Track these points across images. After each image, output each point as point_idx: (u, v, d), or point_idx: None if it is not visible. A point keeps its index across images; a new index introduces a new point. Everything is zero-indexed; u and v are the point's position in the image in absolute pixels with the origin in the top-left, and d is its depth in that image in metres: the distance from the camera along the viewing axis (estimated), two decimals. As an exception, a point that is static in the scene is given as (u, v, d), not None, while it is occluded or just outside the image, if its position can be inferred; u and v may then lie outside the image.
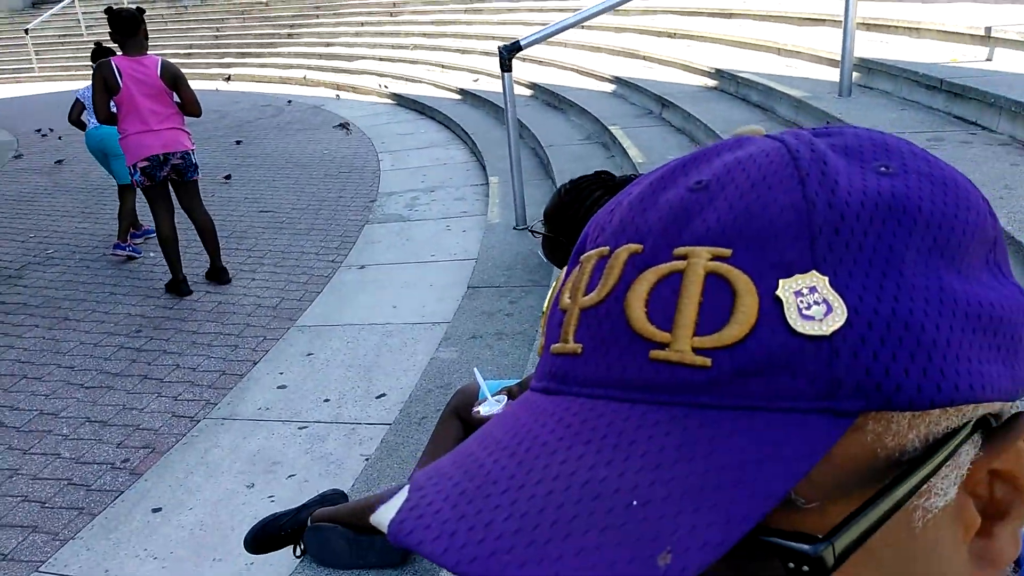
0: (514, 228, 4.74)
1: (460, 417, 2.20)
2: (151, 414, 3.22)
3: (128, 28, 4.11)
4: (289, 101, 11.55)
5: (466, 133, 8.13)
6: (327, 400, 3.22)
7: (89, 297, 4.52)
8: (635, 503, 0.22)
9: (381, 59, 13.67)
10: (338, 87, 12.82)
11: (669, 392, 0.25)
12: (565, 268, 0.31)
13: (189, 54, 16.39)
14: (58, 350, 3.87)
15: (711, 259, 0.25)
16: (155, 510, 2.61)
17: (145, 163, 4.21)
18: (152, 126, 4.20)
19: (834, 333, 0.23)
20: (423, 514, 0.25)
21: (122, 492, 2.72)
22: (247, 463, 2.83)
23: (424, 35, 14.14)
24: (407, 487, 0.28)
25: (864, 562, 0.24)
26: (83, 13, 18.53)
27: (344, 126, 7.18)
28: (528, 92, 9.32)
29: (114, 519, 2.58)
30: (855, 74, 4.57)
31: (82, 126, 5.24)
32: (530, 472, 0.25)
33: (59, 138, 9.51)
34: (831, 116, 4.03)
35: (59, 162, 8.25)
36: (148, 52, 4.24)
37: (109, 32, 4.15)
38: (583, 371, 0.27)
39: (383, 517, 0.27)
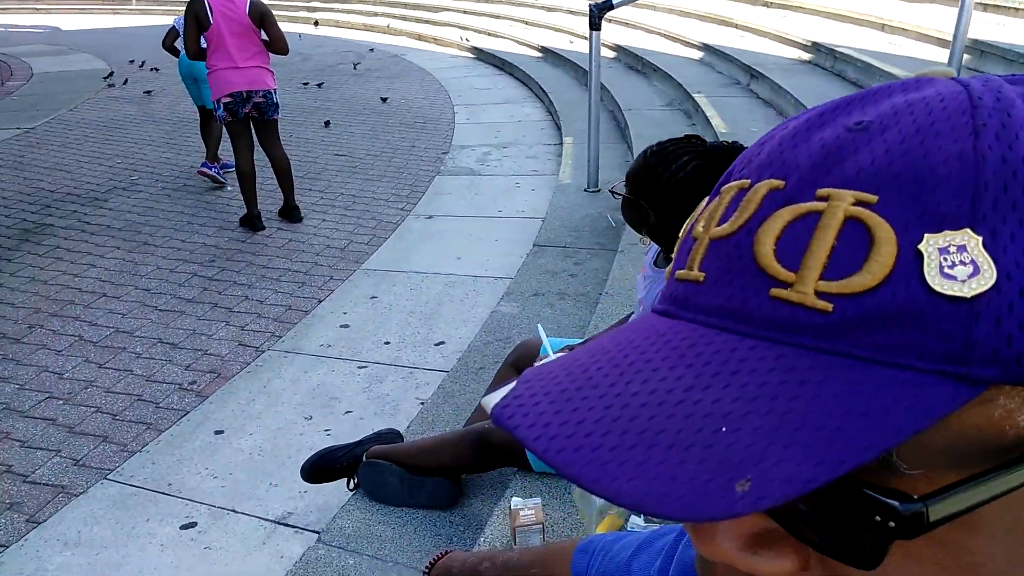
0: (585, 190, 4.65)
1: (519, 370, 2.18)
2: (219, 341, 3.33)
3: None
4: (371, 49, 11.59)
5: (544, 92, 8.00)
6: (387, 343, 3.26)
7: (168, 224, 4.67)
8: (724, 429, 0.22)
9: (465, 12, 13.55)
10: (420, 37, 12.79)
11: (783, 331, 0.24)
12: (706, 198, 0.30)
13: (277, -4, 16.59)
14: (136, 272, 4.02)
15: (854, 203, 0.24)
16: (217, 432, 2.70)
17: (228, 99, 4.31)
18: (238, 63, 4.28)
19: (976, 296, 0.22)
20: (524, 403, 0.27)
21: (187, 412, 2.82)
22: (307, 396, 2.89)
23: (508, -10, 13.91)
24: (516, 380, 0.30)
25: (976, 533, 0.23)
26: (179, -51, 18.88)
27: (383, 99, 7.02)
28: (612, 54, 9.09)
29: (179, 437, 2.68)
30: (965, 56, 4.27)
31: (175, 52, 5.36)
32: (629, 383, 0.25)
33: (152, 70, 9.81)
34: (935, 96, 3.78)
35: (148, 92, 8.51)
36: None
37: None
38: (702, 299, 0.27)
39: (490, 401, 0.27)
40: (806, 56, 6.04)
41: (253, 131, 4.50)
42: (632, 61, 8.27)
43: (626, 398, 0.25)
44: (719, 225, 0.27)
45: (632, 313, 1.90)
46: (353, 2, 15.61)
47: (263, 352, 3.23)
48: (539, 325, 2.10)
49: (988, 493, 0.22)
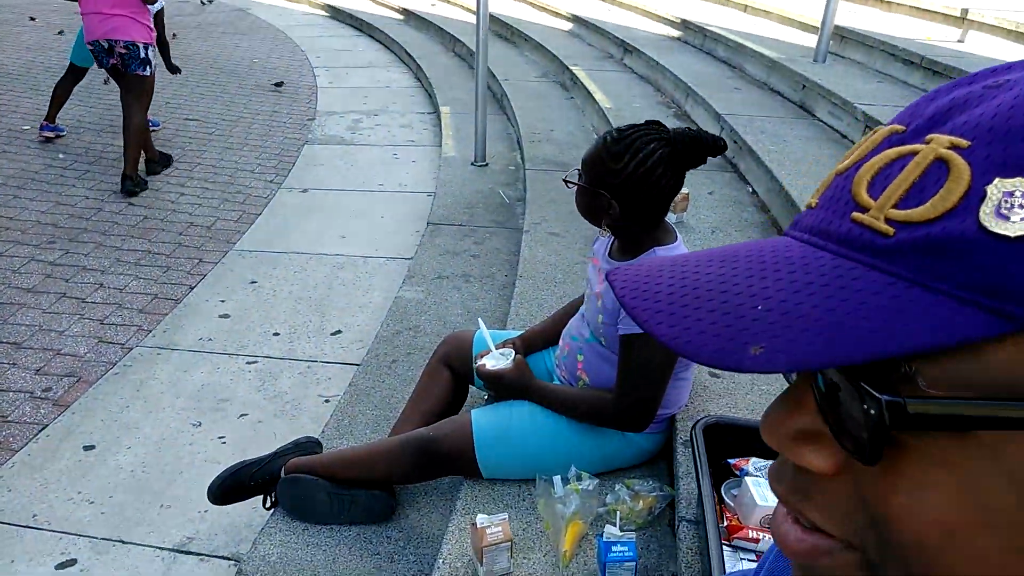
0: (473, 164, 4.50)
1: (451, 367, 2.03)
2: (73, 338, 2.88)
3: None
4: (203, 2, 10.55)
5: (410, 56, 7.68)
6: (276, 334, 2.97)
7: (-11, 198, 3.99)
8: (760, 308, 0.26)
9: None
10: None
11: (850, 248, 0.27)
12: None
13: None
14: None
15: (947, 147, 0.26)
16: (87, 448, 2.33)
17: (90, 46, 4.06)
18: (101, 9, 3.96)
19: (1019, 237, 0.23)
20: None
21: (45, 426, 2.41)
22: (191, 399, 2.57)
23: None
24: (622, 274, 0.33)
25: (998, 461, 0.24)
26: None
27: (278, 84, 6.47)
28: (466, 17, 8.87)
29: (39, 456, 2.28)
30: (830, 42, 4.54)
31: None
32: (706, 264, 0.30)
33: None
34: (808, 80, 3.98)
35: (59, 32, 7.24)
36: None
37: None
38: (807, 220, 0.30)
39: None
40: (676, 33, 6.19)
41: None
42: (500, 29, 8.13)
43: (698, 276, 0.29)
44: (843, 162, 0.30)
45: (584, 294, 1.80)
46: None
47: (131, 349, 2.84)
48: (480, 320, 1.96)
49: (979, 412, 0.24)
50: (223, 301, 3.20)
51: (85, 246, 3.59)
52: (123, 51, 4.02)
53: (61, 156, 4.67)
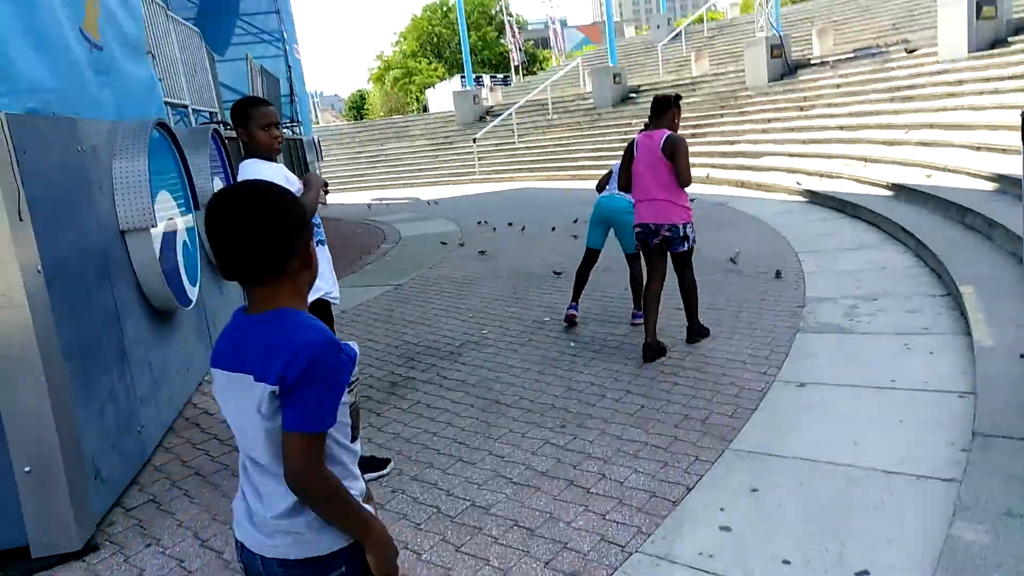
0: (1023, 356, 3.57)
1: None
2: (578, 531, 2.91)
3: (658, 107, 4.74)
4: (692, 199, 11.39)
5: (907, 233, 6.93)
6: (787, 562, 2.55)
7: (517, 382, 4.57)
8: None
9: (791, 155, 12.94)
10: (742, 184, 12.40)
11: None
12: None
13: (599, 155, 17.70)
14: (489, 435, 3.87)
15: None
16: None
17: (639, 229, 4.77)
18: (650, 195, 4.67)
19: None
20: None
21: (555, 627, 2.38)
22: (694, 627, 2.28)
23: (840, 128, 13.05)
24: None
25: None
26: (516, 124, 21.42)
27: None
28: (990, 186, 7.71)
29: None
30: None
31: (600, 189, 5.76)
32: None
33: (493, 230, 10.78)
34: None
35: (482, 252, 9.17)
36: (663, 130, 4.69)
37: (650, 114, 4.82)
38: None
39: None
40: None
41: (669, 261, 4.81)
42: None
43: None
44: None
45: None
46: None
47: (630, 554, 2.72)
48: None
49: None
50: (722, 510, 2.93)
51: (590, 432, 3.77)
52: (667, 233, 4.64)
53: (572, 344, 5.20)
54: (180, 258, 4.59)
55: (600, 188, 5.76)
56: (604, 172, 5.78)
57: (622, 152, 4.98)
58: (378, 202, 17.56)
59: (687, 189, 4.74)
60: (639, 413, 3.94)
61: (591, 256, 5.67)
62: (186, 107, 6.98)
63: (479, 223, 11.70)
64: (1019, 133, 8.93)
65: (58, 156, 3.39)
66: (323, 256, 3.43)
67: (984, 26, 12.59)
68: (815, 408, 3.75)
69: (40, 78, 3.39)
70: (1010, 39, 12.38)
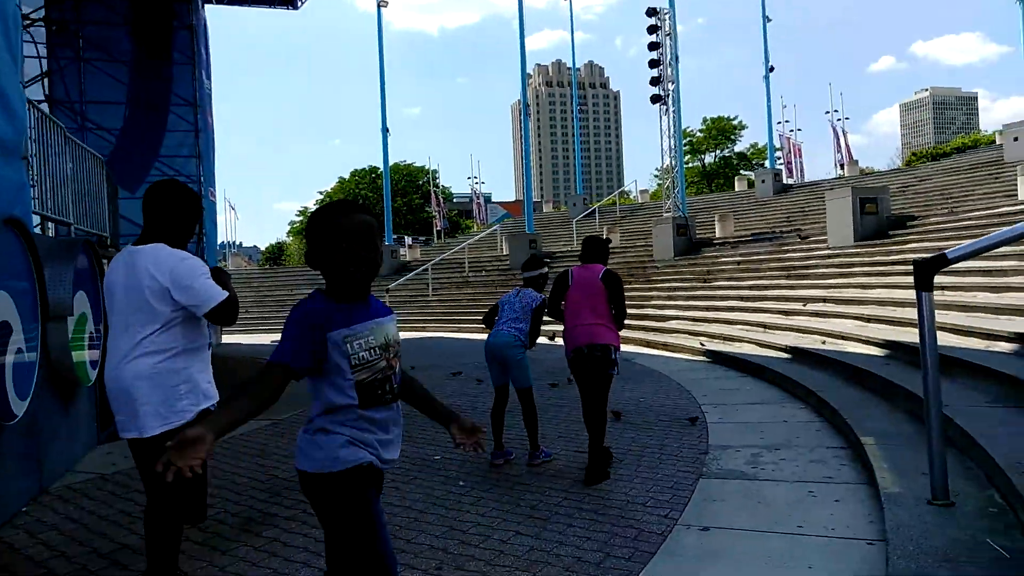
0: (930, 502, 3.38)
1: None
2: None
3: (595, 245, 5.08)
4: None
5: (808, 391, 6.96)
6: None
7: (393, 521, 4.02)
8: None
9: (694, 319, 13.34)
10: (648, 344, 12.57)
11: None
12: None
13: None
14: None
15: None
16: None
17: (572, 354, 4.87)
18: (586, 321, 4.81)
19: None
20: None
21: None
22: None
23: (740, 298, 13.66)
24: None
25: None
26: (432, 278, 21.56)
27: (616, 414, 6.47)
28: (881, 352, 7.98)
29: None
30: None
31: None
32: None
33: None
34: None
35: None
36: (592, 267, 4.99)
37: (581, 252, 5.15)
38: None
39: None
40: None
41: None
42: (913, 357, 7.09)
43: None
44: None
45: None
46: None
47: None
48: None
49: None
50: (614, 663, 2.46)
51: (470, 575, 3.25)
52: (598, 354, 4.74)
53: (461, 483, 4.72)
54: (8, 365, 3.99)
55: (487, 322, 5.57)
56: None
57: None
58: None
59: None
60: (527, 556, 3.46)
61: (501, 395, 5.40)
62: (69, 225, 6.56)
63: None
64: (905, 308, 9.46)
65: None
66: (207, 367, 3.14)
67: (868, 220, 13.85)
68: (720, 555, 3.38)
69: None
70: (890, 232, 13.61)
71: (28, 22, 12.86)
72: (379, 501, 2.11)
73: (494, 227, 31.10)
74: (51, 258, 4.87)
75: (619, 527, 3.78)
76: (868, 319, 9.74)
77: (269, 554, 3.59)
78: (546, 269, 5.56)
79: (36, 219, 5.63)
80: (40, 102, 12.54)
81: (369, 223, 2.05)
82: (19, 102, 4.98)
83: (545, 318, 5.35)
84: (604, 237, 5.20)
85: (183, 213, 3.04)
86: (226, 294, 2.94)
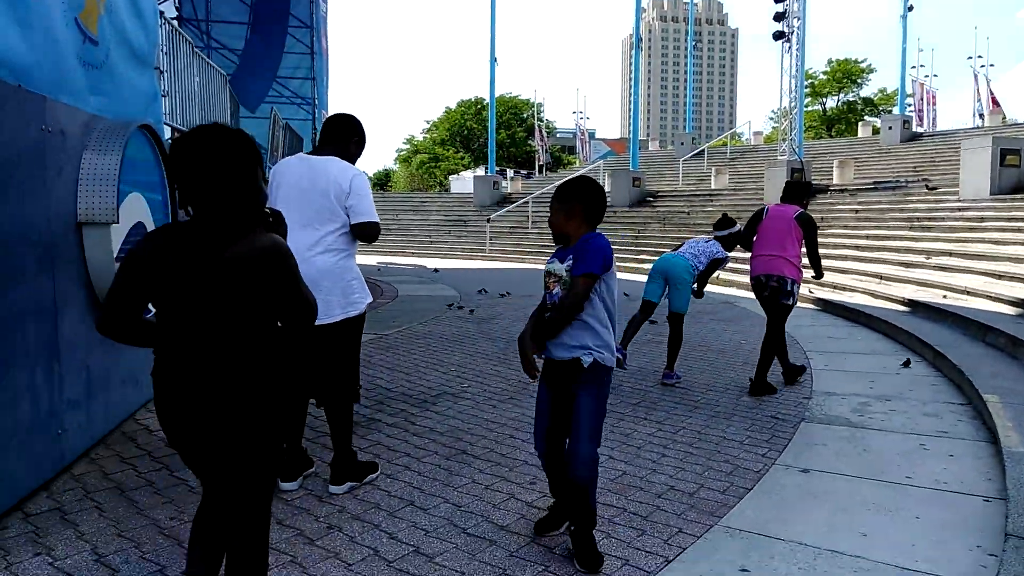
0: (1059, 464, 3.15)
1: None
2: (533, 590, 2.44)
3: (795, 189, 5.44)
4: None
5: (925, 345, 6.57)
6: (779, 651, 2.07)
7: (490, 435, 4.15)
8: None
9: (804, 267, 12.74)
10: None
11: None
12: None
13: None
14: (450, 483, 3.43)
15: None
16: None
17: (753, 281, 5.32)
18: (771, 252, 5.17)
19: None
20: None
21: None
22: None
23: (856, 247, 12.92)
24: None
25: None
26: (532, 211, 21.56)
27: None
28: (1012, 310, 7.40)
29: None
30: None
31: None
32: None
33: (502, 295, 10.58)
34: None
35: (471, 311, 9.17)
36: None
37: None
38: None
39: None
40: None
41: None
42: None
43: None
44: None
45: None
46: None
47: (591, 622, 2.25)
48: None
49: None
50: (705, 586, 2.47)
51: (562, 493, 3.31)
52: (774, 284, 5.15)
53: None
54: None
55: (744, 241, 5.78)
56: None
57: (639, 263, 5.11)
58: (387, 265, 17.43)
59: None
60: (619, 479, 3.49)
61: (647, 308, 5.67)
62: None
63: (479, 291, 11.48)
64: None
65: (13, 131, 3.13)
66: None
67: (1008, 172, 12.66)
68: (819, 497, 3.30)
69: (12, 48, 3.19)
70: (1034, 187, 12.41)
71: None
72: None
73: (597, 163, 30.52)
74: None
75: (714, 461, 3.74)
76: (999, 276, 9.01)
77: (372, 455, 3.78)
78: (737, 227, 5.83)
79: (167, 130, 5.94)
80: (173, 19, 13.11)
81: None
82: (152, 14, 5.20)
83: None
84: (805, 181, 5.59)
85: (358, 140, 3.39)
86: (377, 217, 3.32)
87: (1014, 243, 10.30)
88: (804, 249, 5.28)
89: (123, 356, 4.19)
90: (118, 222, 3.80)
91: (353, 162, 3.38)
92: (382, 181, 65.41)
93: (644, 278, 5.92)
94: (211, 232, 1.80)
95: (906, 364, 6.10)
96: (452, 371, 5.81)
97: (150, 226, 4.44)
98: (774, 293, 5.18)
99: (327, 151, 3.32)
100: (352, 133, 3.37)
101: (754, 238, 5.35)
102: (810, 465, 3.70)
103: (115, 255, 3.83)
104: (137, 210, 4.26)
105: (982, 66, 34.09)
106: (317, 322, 3.14)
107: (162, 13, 5.70)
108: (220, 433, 1.85)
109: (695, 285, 5.69)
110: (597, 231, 2.68)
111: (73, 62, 3.95)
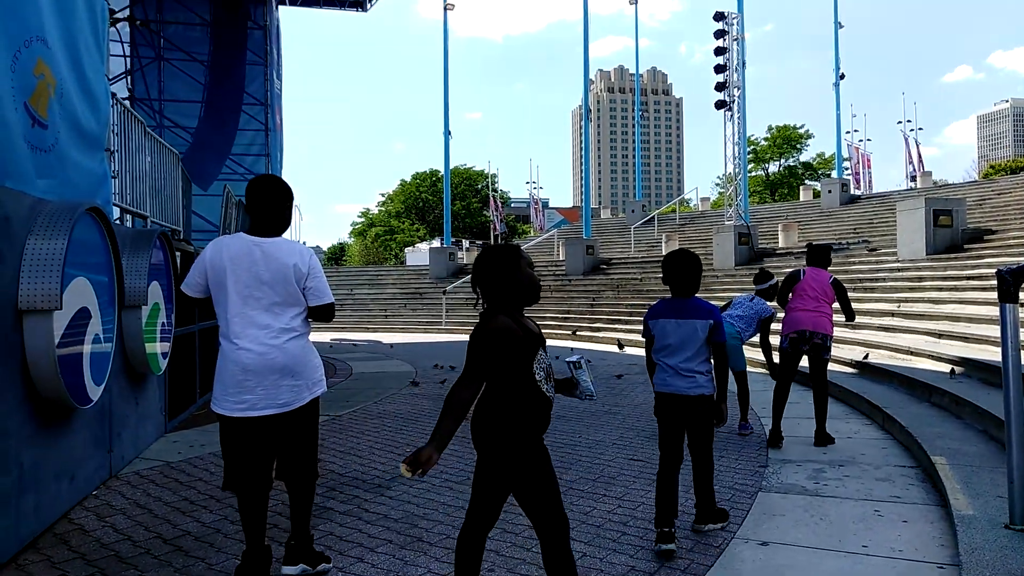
0: (1007, 526, 3.20)
1: None
2: None
3: (821, 252, 5.92)
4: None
5: (875, 407, 6.71)
6: None
7: (446, 520, 4.04)
8: None
9: (755, 330, 13.00)
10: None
11: None
12: None
13: (567, 317, 17.75)
14: (403, 574, 3.31)
15: None
16: None
17: (794, 335, 5.69)
18: (812, 308, 5.66)
19: None
20: None
21: None
22: None
23: (804, 309, 13.24)
24: None
25: None
26: (487, 281, 21.65)
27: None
28: (945, 368, 7.65)
29: None
30: None
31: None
32: None
33: (450, 367, 10.40)
34: None
35: (415, 384, 9.19)
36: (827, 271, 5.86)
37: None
38: None
39: None
40: None
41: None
42: (987, 375, 6.79)
43: None
44: None
45: None
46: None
47: None
48: None
49: None
50: (667, 676, 2.40)
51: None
52: (818, 341, 5.61)
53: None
54: (86, 352, 4.16)
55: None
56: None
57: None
58: (340, 341, 17.17)
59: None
60: (580, 561, 3.42)
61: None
62: (145, 218, 6.82)
63: (435, 366, 11.37)
64: (980, 325, 9.04)
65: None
66: None
67: (941, 232, 13.29)
68: (779, 570, 3.28)
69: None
70: (965, 245, 13.02)
71: (113, 19, 13.49)
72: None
73: (551, 232, 31.05)
74: (128, 248, 5.06)
75: (677, 539, 3.69)
76: (939, 335, 9.33)
77: (323, 547, 3.64)
78: (775, 280, 6.35)
79: (116, 211, 5.87)
80: (124, 99, 13.12)
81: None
82: (104, 96, 5.20)
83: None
84: (827, 244, 6.23)
85: (291, 203, 3.32)
86: (332, 296, 3.29)
87: (951, 301, 10.72)
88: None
89: (58, 451, 4.01)
90: (61, 308, 3.70)
91: (288, 224, 3.30)
92: (337, 255, 65.22)
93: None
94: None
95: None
96: (407, 452, 5.68)
97: (95, 311, 4.32)
98: (816, 349, 5.63)
99: (268, 226, 3.17)
100: (286, 199, 3.22)
101: (789, 295, 5.85)
102: (769, 538, 3.69)
103: (56, 343, 3.70)
104: (83, 294, 4.16)
105: (911, 130, 36.10)
106: (288, 408, 3.13)
107: (114, 94, 5.70)
108: None
109: (768, 370, 6.43)
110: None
111: (21, 146, 3.91)
